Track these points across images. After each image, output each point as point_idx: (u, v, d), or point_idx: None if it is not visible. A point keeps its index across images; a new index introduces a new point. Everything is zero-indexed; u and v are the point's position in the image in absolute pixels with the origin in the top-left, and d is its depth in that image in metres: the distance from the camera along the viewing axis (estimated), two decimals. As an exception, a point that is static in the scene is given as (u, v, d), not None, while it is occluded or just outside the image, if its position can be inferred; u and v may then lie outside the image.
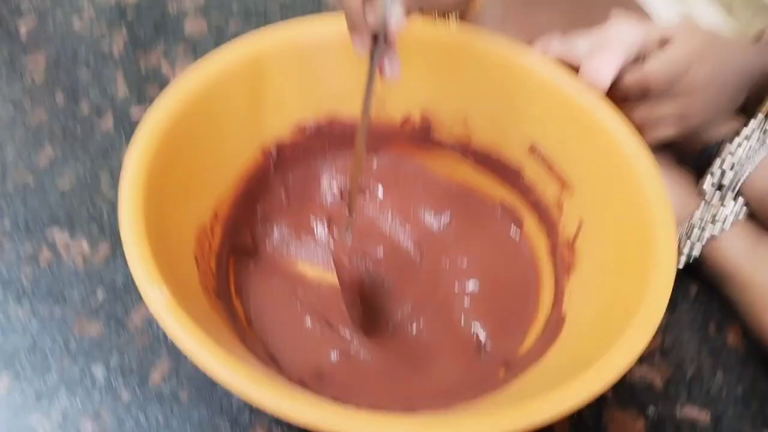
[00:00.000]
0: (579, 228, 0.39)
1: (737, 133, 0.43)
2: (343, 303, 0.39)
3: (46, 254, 0.45)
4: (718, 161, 0.43)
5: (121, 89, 0.55)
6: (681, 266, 0.43)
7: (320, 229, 0.44)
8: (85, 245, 0.46)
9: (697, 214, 0.43)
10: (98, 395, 0.39)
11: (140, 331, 0.42)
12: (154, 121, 0.34)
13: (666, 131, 0.42)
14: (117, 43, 0.58)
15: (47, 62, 0.57)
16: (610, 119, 0.37)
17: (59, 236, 0.46)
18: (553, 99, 0.39)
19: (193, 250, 0.35)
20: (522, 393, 0.32)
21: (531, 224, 0.43)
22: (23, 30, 0.59)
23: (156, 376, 0.40)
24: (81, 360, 0.40)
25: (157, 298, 0.28)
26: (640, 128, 0.39)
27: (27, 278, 0.44)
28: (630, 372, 0.42)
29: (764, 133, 0.42)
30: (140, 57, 0.58)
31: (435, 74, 0.42)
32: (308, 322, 0.40)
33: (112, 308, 0.43)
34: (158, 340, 0.41)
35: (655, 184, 0.34)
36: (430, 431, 0.27)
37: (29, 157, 0.50)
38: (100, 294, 0.43)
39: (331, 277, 0.42)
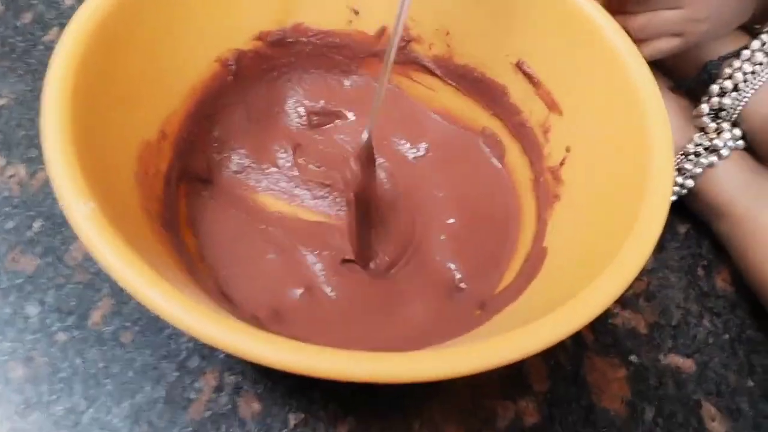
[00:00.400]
0: (566, 155, 0.35)
1: (737, 55, 0.39)
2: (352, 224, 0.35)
3: (-23, 178, 0.40)
4: (716, 85, 0.39)
5: (68, -1, 0.49)
6: (674, 198, 0.41)
7: (284, 157, 0.40)
8: (22, 170, 0.41)
9: (693, 142, 0.39)
10: (31, 336, 0.35)
11: (80, 267, 0.38)
12: (89, 15, 0.29)
13: (666, 43, 0.38)
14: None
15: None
16: (606, 28, 0.33)
17: (-7, 159, 0.41)
18: (542, 6, 0.35)
19: (134, 170, 0.31)
20: (493, 331, 0.29)
21: (514, 153, 0.40)
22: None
23: (96, 317, 0.36)
24: (13, 297, 0.36)
25: (84, 214, 0.24)
26: (638, 41, 0.35)
27: (-46, 203, 0.39)
28: (612, 317, 0.39)
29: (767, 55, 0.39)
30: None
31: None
32: (269, 257, 0.36)
33: (49, 241, 0.38)
34: (100, 277, 0.37)
35: (655, 103, 0.31)
36: (385, 366, 0.23)
37: (-39, 72, 0.45)
38: (37, 225, 0.39)
39: (297, 209, 0.38)
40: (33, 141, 0.42)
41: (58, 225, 0.39)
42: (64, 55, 0.28)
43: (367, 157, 0.35)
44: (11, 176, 0.41)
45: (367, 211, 0.37)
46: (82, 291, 0.37)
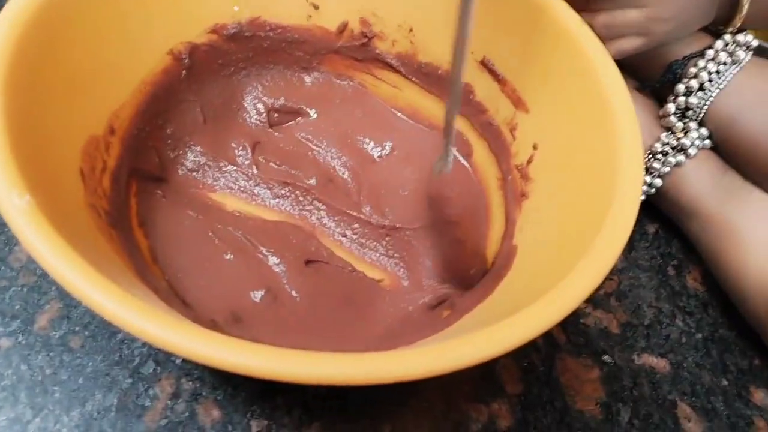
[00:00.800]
0: (534, 152, 0.34)
1: (702, 54, 0.39)
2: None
3: None
4: (682, 84, 0.39)
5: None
6: (642, 197, 0.40)
7: (243, 155, 0.38)
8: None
9: (660, 141, 0.39)
10: (-31, 342, 0.33)
11: (25, 268, 0.35)
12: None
13: (631, 42, 0.37)
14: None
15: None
16: (572, 24, 0.32)
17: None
18: (506, 3, 0.34)
19: (79, 164, 0.29)
20: (463, 331, 0.28)
21: (480, 152, 0.39)
22: None
23: (42, 321, 0.34)
24: (-50, 301, 0.34)
25: (19, 208, 0.22)
26: (601, 39, 0.34)
27: None
28: (584, 316, 0.38)
29: (731, 55, 0.39)
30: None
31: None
32: (228, 257, 0.34)
33: (-9, 242, 0.36)
34: (47, 280, 0.35)
35: (622, 97, 0.30)
36: (350, 367, 0.22)
37: None
38: (-23, 225, 0.37)
39: (257, 209, 0.37)
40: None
41: (1, 225, 0.36)
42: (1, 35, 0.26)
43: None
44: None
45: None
46: (27, 294, 0.35)
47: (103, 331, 0.34)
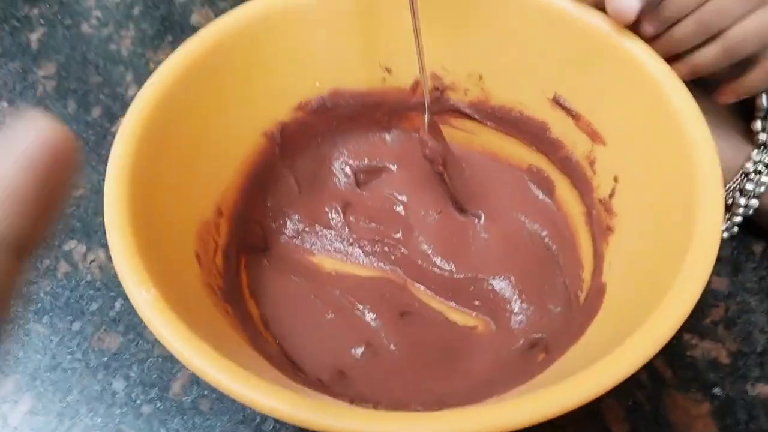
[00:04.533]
0: (615, 185, 0.34)
1: None
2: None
3: (63, 267, 0.44)
4: (764, 96, 0.37)
5: (131, 90, 0.54)
6: (739, 219, 0.38)
7: (336, 217, 0.41)
8: (101, 255, 0.44)
9: (751, 160, 0.37)
10: (118, 411, 0.38)
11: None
12: (140, 107, 0.32)
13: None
14: (125, 42, 0.57)
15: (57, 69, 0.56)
16: (640, 54, 0.32)
17: (75, 247, 0.45)
18: (572, 37, 0.35)
19: (194, 249, 0.33)
20: (559, 375, 0.29)
21: (563, 188, 0.39)
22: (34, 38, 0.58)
23: (176, 387, 0.38)
24: (101, 375, 0.39)
25: (145, 300, 0.26)
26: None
27: (45, 293, 0.43)
28: (690, 348, 0.37)
29: None
30: (149, 54, 0.56)
31: (443, 29, 0.38)
32: (329, 317, 0.37)
33: (130, 319, 0.41)
34: (178, 348, 0.39)
35: (696, 123, 0.30)
36: (454, 424, 0.23)
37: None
38: (118, 305, 0.42)
39: (352, 267, 0.39)
40: (110, 227, 0.46)
41: (137, 305, 0.41)
42: (119, 149, 0.30)
43: (435, 130, 0.39)
44: (92, 261, 0.44)
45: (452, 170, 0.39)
46: (162, 364, 0.39)
47: (228, 393, 0.38)
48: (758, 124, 0.38)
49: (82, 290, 0.43)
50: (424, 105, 0.38)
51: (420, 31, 0.35)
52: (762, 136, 0.38)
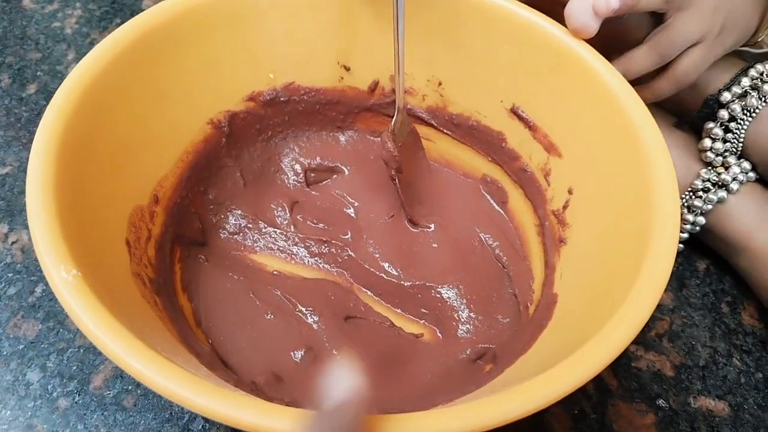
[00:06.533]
0: (569, 197, 0.34)
1: (730, 87, 0.38)
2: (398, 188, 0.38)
3: (-21, 250, 0.40)
4: (716, 117, 0.38)
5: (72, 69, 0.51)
6: (686, 236, 0.39)
7: (282, 215, 0.39)
8: (24, 236, 0.41)
9: (700, 177, 0.38)
10: (32, 404, 0.34)
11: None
12: (74, 82, 0.29)
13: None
14: (69, 21, 0.54)
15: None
16: (600, 69, 0.32)
17: (-5, 229, 0.41)
18: (533, 48, 0.35)
19: (126, 236, 0.31)
20: (507, 384, 0.28)
21: (516, 198, 0.39)
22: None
23: (98, 381, 0.35)
24: (14, 364, 0.36)
25: (65, 281, 0.24)
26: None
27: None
28: (636, 360, 0.37)
29: (756, 89, 0.38)
30: (94, 35, 0.53)
31: (406, 32, 0.37)
32: (268, 318, 0.35)
33: (51, 306, 0.38)
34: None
35: (654, 138, 0.30)
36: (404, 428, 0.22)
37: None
38: (39, 290, 0.39)
39: (296, 268, 0.37)
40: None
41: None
42: (49, 123, 0.28)
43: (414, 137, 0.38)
44: (14, 242, 0.41)
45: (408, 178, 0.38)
46: (83, 355, 0.36)
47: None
48: (707, 142, 0.38)
49: (0, 272, 0.39)
50: (395, 106, 0.37)
51: (401, 33, 0.34)
52: (710, 155, 0.38)
